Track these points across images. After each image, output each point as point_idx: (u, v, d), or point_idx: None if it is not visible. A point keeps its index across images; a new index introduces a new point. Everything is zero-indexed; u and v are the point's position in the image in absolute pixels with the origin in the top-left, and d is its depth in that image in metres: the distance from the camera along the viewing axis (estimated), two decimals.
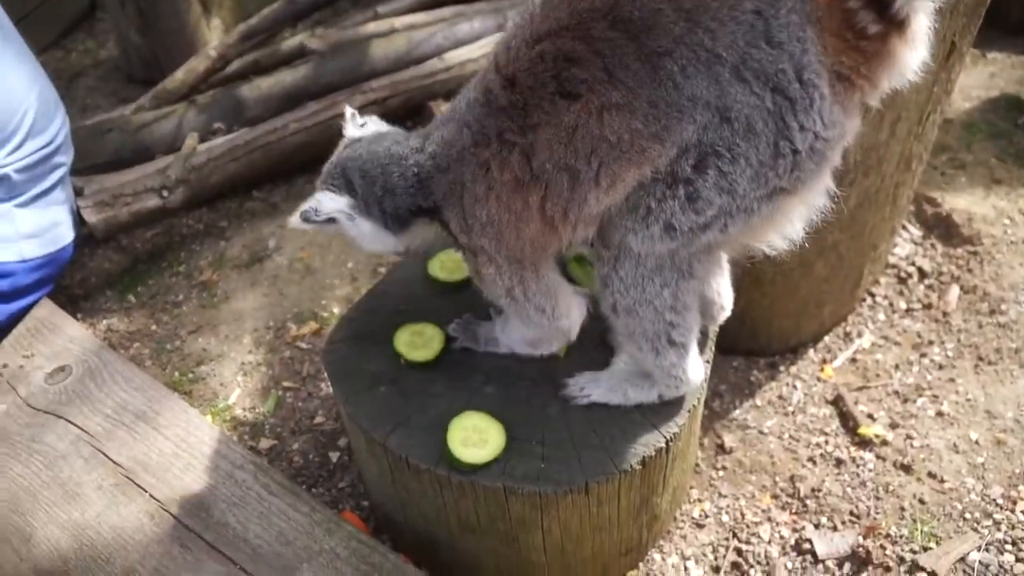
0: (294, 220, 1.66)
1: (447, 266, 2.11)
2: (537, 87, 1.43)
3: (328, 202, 1.65)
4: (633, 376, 1.79)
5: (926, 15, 1.34)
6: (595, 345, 1.92)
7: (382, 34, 4.11)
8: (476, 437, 1.71)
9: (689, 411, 1.81)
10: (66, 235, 2.72)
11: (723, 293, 1.90)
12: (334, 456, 2.49)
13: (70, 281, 3.22)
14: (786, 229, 1.58)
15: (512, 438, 1.73)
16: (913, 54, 1.38)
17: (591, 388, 1.80)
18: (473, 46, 3.84)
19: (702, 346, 1.90)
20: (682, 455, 1.95)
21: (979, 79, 3.81)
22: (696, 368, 1.76)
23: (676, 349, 1.68)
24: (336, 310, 2.99)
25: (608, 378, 1.81)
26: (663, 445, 1.74)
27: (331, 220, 1.67)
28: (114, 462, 2.10)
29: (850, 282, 2.66)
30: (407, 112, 3.70)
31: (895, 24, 1.33)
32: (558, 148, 1.44)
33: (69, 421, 2.19)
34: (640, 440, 1.74)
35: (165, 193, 3.13)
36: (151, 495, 2.01)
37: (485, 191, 1.55)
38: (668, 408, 1.79)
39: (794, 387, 2.61)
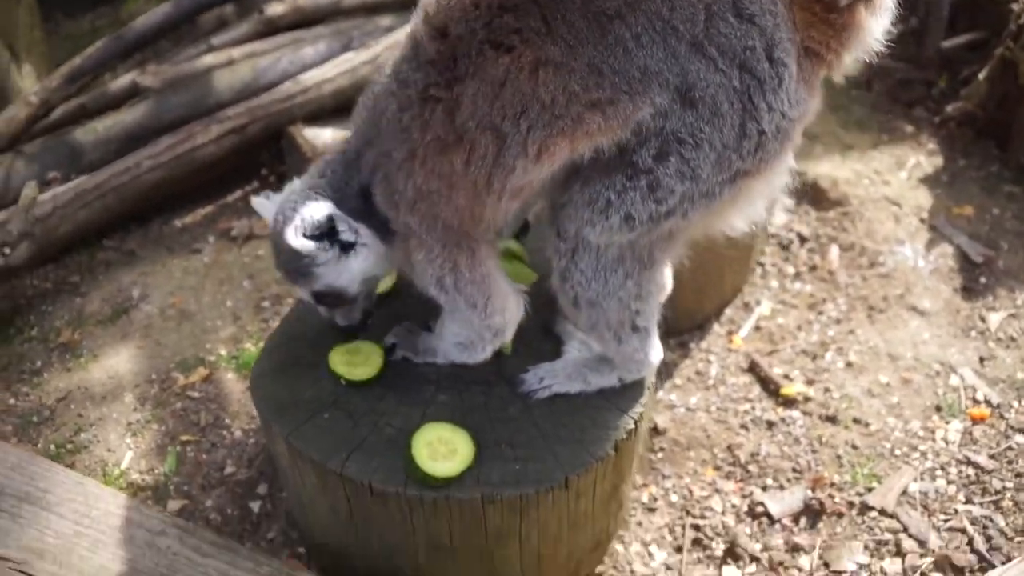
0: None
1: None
2: (466, 35, 1.31)
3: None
4: (591, 362, 1.73)
5: None
6: (540, 336, 1.86)
7: (222, 65, 3.88)
8: (444, 449, 1.59)
9: (648, 388, 1.77)
10: None
11: (665, 272, 1.86)
12: (255, 506, 2.26)
13: None
14: (748, 211, 1.55)
15: (479, 445, 1.63)
16: (878, 22, 1.35)
17: (550, 379, 1.73)
18: (326, 67, 3.67)
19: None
20: (641, 436, 1.91)
21: None
22: (656, 349, 1.73)
23: (639, 334, 1.64)
24: (224, 352, 2.75)
25: (565, 367, 1.74)
26: (633, 427, 1.70)
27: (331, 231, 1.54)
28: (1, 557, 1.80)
29: (743, 251, 2.74)
30: (266, 138, 3.48)
31: None
32: (483, 104, 1.32)
33: None
34: (611, 426, 1.68)
35: (7, 251, 2.77)
36: None
37: (409, 156, 1.41)
38: (630, 390, 1.75)
39: (709, 361, 2.66)
